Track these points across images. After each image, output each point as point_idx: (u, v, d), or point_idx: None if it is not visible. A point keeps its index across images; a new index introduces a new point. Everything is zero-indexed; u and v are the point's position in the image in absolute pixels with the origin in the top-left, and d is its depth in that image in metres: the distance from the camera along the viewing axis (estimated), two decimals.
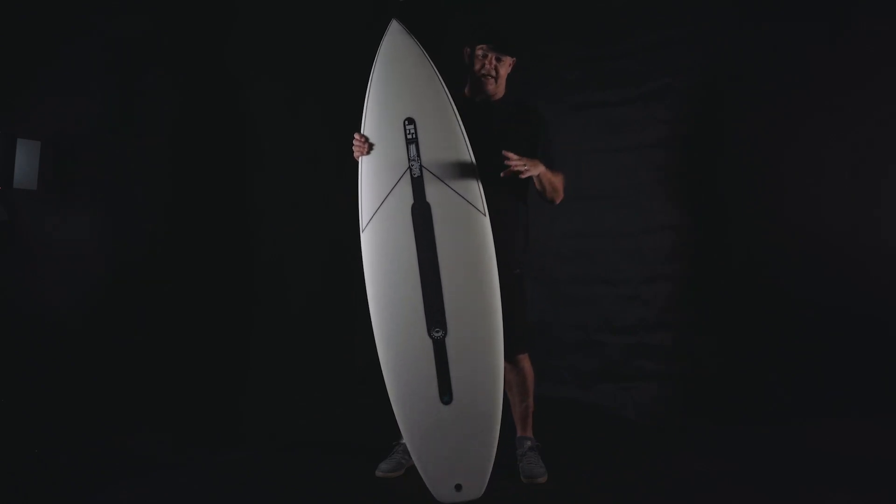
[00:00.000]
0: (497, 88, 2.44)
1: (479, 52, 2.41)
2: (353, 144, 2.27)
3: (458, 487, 2.15)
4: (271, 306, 3.42)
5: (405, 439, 2.23)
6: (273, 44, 3.44)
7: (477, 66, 2.41)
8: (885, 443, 2.65)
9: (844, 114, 3.04)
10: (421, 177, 2.22)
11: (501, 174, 2.20)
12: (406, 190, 2.22)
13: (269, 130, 3.46)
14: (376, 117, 2.28)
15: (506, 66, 2.44)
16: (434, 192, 2.21)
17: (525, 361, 2.46)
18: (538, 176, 2.30)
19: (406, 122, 2.24)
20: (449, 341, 2.18)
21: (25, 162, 2.58)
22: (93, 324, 2.91)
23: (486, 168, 2.22)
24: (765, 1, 3.21)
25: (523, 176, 2.22)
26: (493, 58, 2.40)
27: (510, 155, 2.18)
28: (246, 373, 3.26)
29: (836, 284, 3.03)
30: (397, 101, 2.26)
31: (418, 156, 2.23)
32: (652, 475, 2.43)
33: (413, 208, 2.22)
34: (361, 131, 2.28)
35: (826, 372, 3.01)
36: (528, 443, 2.46)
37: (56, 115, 2.86)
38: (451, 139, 2.24)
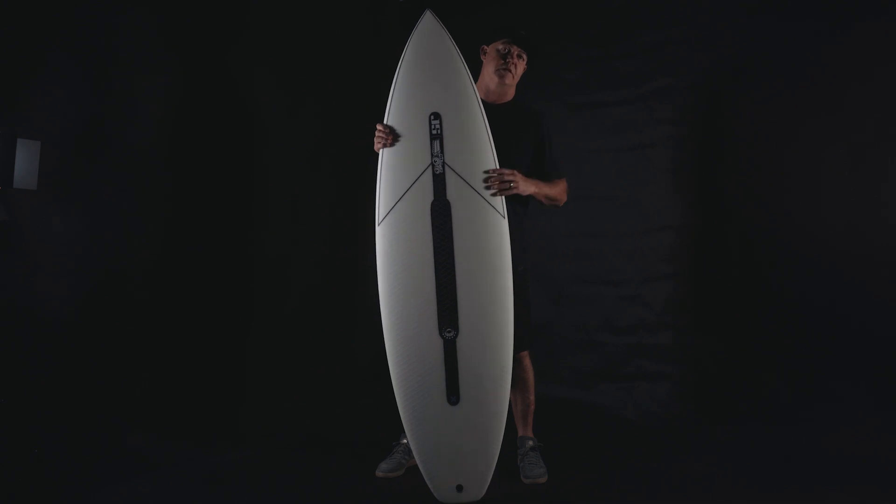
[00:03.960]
0: (509, 89, 2.45)
1: (501, 47, 2.42)
2: (375, 135, 2.23)
3: (460, 488, 2.15)
4: (271, 306, 3.42)
5: (409, 438, 2.22)
6: (274, 44, 3.44)
7: (498, 61, 2.41)
8: (885, 443, 2.65)
9: (844, 114, 3.04)
10: (443, 174, 2.17)
11: (489, 190, 2.18)
12: (427, 186, 2.17)
13: (269, 131, 3.46)
14: (401, 109, 2.21)
15: (521, 68, 2.45)
16: (455, 191, 2.17)
17: (526, 359, 2.47)
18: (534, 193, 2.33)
19: (432, 117, 2.19)
20: (460, 342, 2.15)
21: (25, 162, 2.57)
22: (93, 323, 2.90)
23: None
24: (765, 1, 3.21)
25: (508, 193, 2.22)
26: (516, 54, 2.41)
27: (503, 171, 2.19)
28: (246, 373, 3.26)
29: (836, 284, 3.03)
30: (424, 95, 2.20)
31: (441, 152, 2.18)
32: (652, 475, 2.43)
33: (433, 205, 2.17)
34: (385, 122, 2.23)
35: (826, 372, 3.01)
36: (530, 442, 2.47)
37: (56, 115, 2.85)
38: (476, 138, 2.19)
